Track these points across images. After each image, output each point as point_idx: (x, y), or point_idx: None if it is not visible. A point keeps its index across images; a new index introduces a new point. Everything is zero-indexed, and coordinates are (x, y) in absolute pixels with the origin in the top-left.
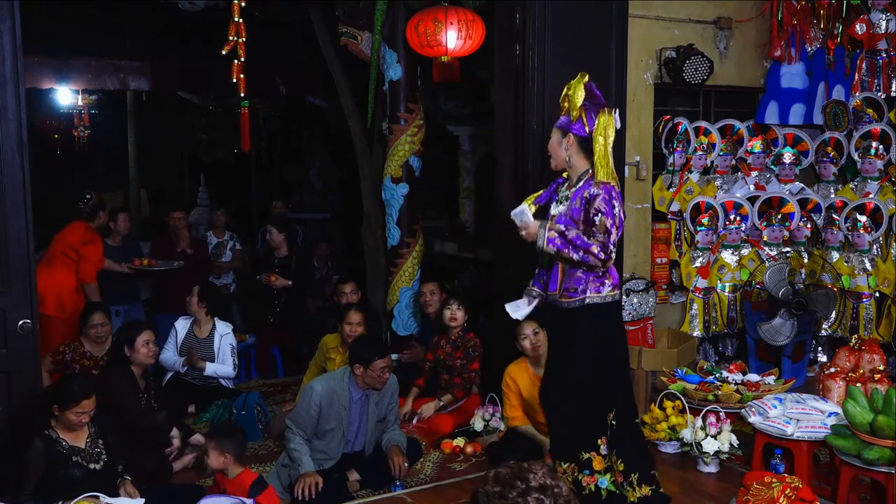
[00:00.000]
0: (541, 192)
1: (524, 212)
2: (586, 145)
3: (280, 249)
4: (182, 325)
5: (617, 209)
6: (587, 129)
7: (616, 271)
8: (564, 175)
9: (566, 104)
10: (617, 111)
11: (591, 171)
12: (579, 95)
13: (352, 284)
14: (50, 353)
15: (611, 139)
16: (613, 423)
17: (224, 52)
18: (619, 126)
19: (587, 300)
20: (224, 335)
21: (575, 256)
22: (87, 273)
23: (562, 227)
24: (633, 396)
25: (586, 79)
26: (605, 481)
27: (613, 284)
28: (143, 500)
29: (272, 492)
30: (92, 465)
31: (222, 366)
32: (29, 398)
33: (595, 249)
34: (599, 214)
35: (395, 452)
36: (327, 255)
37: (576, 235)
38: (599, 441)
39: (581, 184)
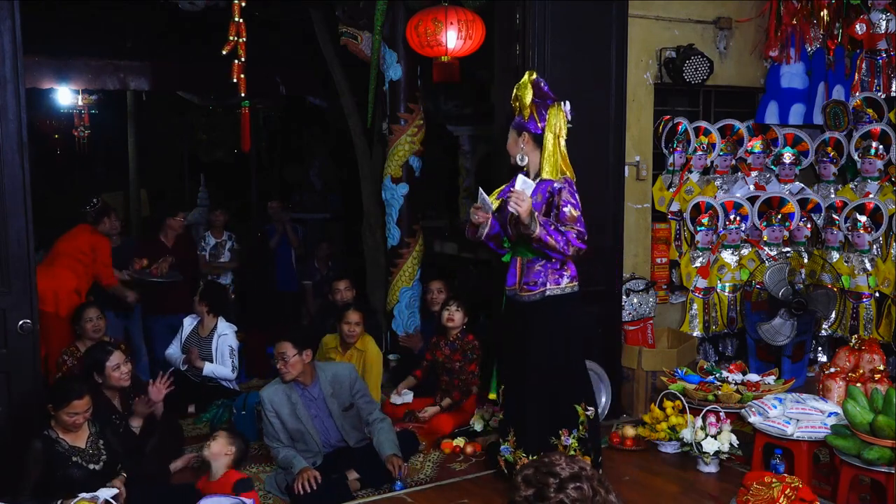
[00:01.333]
0: (503, 186)
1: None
2: (541, 142)
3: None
4: (189, 323)
5: (576, 200)
6: (539, 126)
7: (574, 265)
8: (525, 169)
9: (517, 104)
10: (567, 103)
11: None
12: (528, 94)
13: (346, 281)
14: (56, 367)
15: (563, 134)
16: (588, 413)
17: (224, 52)
18: (570, 117)
19: (547, 292)
20: (222, 336)
21: (560, 244)
22: (107, 275)
23: (543, 218)
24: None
25: (534, 76)
26: None
27: (571, 276)
28: (115, 491)
29: (255, 495)
30: (91, 466)
31: (220, 367)
32: (29, 398)
33: (573, 236)
34: (568, 206)
35: (393, 457)
36: (328, 255)
37: (555, 227)
38: (562, 432)
39: (542, 179)
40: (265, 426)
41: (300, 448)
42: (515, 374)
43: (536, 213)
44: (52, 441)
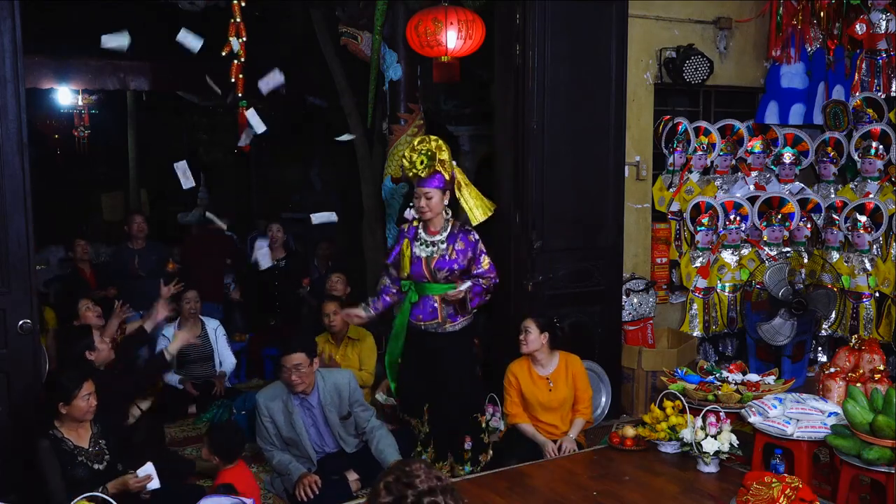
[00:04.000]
0: (394, 247)
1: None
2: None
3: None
4: (171, 333)
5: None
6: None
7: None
8: (415, 224)
9: (436, 167)
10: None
11: (452, 219)
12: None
13: (339, 274)
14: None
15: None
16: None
17: (224, 53)
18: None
19: (464, 324)
20: (216, 328)
21: (485, 299)
22: None
23: (468, 288)
24: None
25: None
26: (468, 468)
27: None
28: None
29: (256, 494)
30: (96, 466)
31: (227, 361)
32: (29, 398)
33: (493, 275)
34: (483, 255)
35: None
36: (328, 254)
37: (478, 287)
38: (466, 438)
39: (454, 230)
40: (259, 429)
41: (293, 453)
42: (438, 392)
43: (468, 289)
44: (58, 440)
